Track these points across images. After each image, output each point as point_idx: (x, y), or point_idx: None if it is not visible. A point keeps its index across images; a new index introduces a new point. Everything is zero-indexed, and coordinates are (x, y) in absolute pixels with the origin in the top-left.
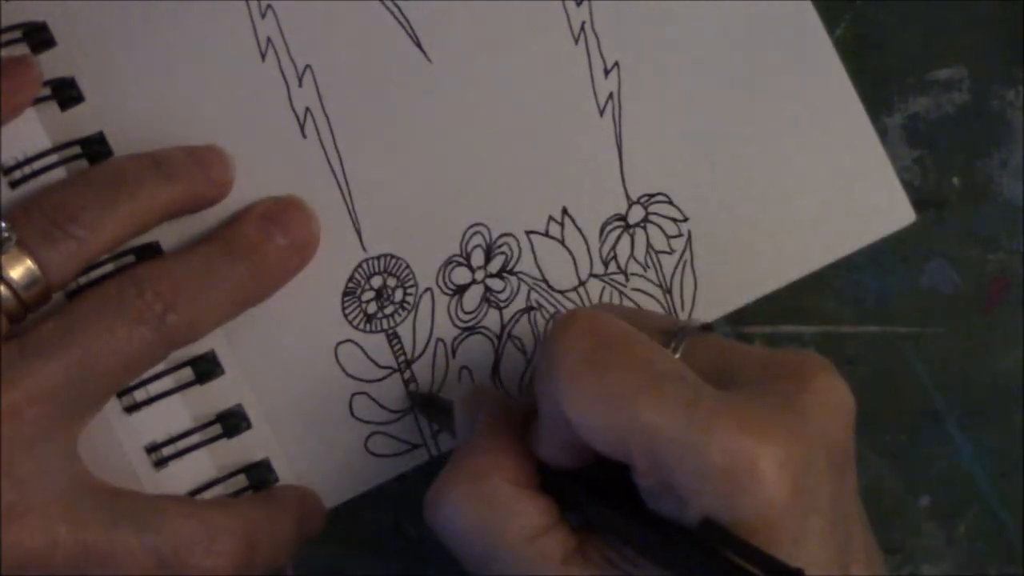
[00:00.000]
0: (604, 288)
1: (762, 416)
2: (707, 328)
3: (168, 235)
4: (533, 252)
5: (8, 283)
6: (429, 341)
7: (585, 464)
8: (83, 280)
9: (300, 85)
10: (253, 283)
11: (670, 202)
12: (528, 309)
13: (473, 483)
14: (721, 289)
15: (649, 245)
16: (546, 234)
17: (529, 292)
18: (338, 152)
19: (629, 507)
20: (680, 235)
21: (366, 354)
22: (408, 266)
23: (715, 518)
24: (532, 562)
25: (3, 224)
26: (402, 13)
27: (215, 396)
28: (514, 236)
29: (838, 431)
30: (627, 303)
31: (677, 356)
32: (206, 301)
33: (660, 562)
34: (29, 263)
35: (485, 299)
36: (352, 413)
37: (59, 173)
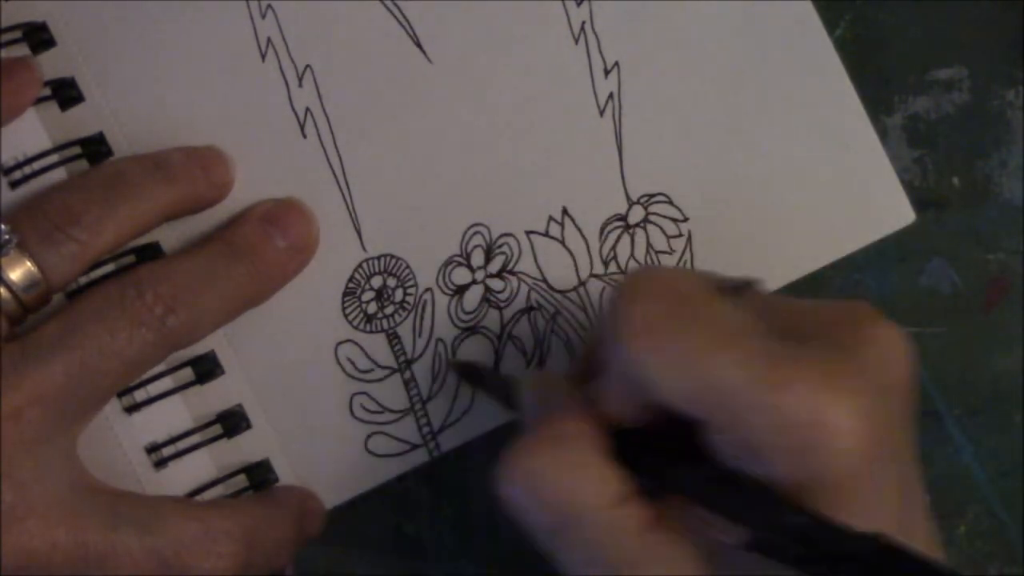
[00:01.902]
0: (604, 288)
1: (833, 369)
2: (751, 284)
3: (168, 235)
4: (533, 252)
5: (8, 285)
6: (429, 341)
7: (647, 422)
8: (84, 280)
9: (300, 85)
10: (253, 285)
11: (670, 202)
12: (528, 309)
13: (556, 449)
14: None
15: (649, 245)
16: (546, 234)
17: (529, 292)
18: (338, 152)
19: (707, 467)
20: (680, 235)
21: (366, 354)
22: (408, 266)
23: (795, 474)
24: (613, 530)
25: (4, 227)
26: (402, 13)
27: (215, 396)
28: (514, 236)
29: (903, 380)
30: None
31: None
32: (207, 303)
33: (743, 521)
34: (29, 265)
35: (485, 299)
36: (352, 413)
37: (59, 173)
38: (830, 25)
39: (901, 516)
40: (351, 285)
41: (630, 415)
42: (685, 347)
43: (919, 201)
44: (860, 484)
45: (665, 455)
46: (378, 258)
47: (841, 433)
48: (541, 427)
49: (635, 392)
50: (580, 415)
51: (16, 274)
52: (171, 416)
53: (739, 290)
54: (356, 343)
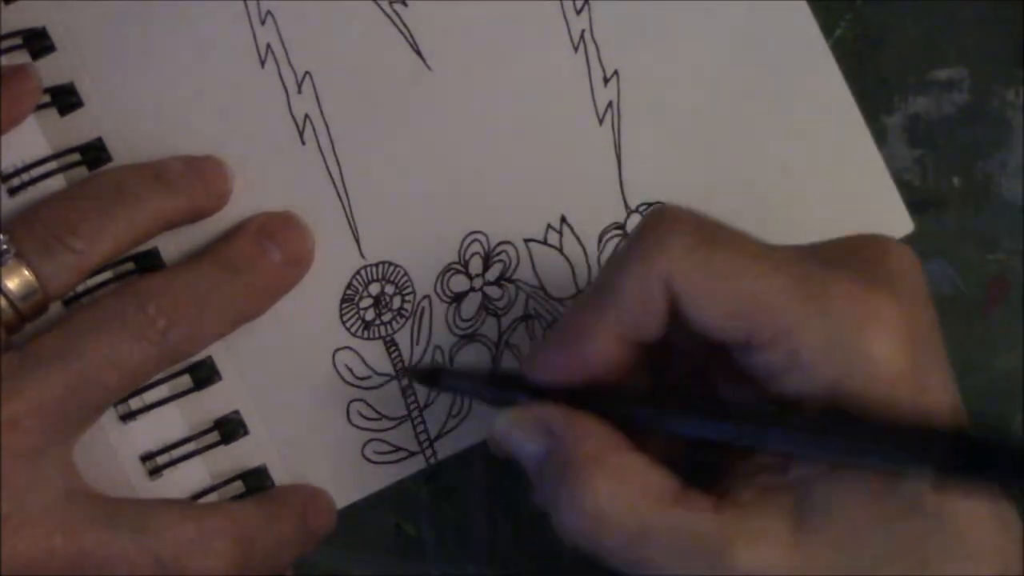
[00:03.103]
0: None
1: (870, 281)
2: None
3: (167, 242)
4: (531, 260)
5: (5, 294)
6: (427, 348)
7: (622, 368)
8: (80, 288)
9: (299, 92)
10: (250, 298)
11: None
12: (526, 317)
13: (594, 474)
14: None
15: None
16: (544, 242)
17: (527, 300)
18: (337, 159)
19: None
20: None
21: (364, 361)
22: (406, 273)
23: (842, 384)
24: (686, 521)
25: (2, 236)
26: (402, 20)
27: (212, 402)
28: (512, 244)
29: (924, 290)
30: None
31: None
32: (206, 316)
33: (804, 450)
34: (27, 274)
35: (483, 307)
36: (349, 420)
37: (58, 180)
38: (830, 25)
39: (953, 416)
40: (349, 292)
41: (615, 359)
42: (724, 262)
43: (919, 201)
44: (907, 388)
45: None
46: (376, 265)
47: (889, 336)
48: (568, 464)
49: (643, 320)
50: (591, 427)
51: (13, 283)
52: (166, 424)
53: None
54: (354, 350)
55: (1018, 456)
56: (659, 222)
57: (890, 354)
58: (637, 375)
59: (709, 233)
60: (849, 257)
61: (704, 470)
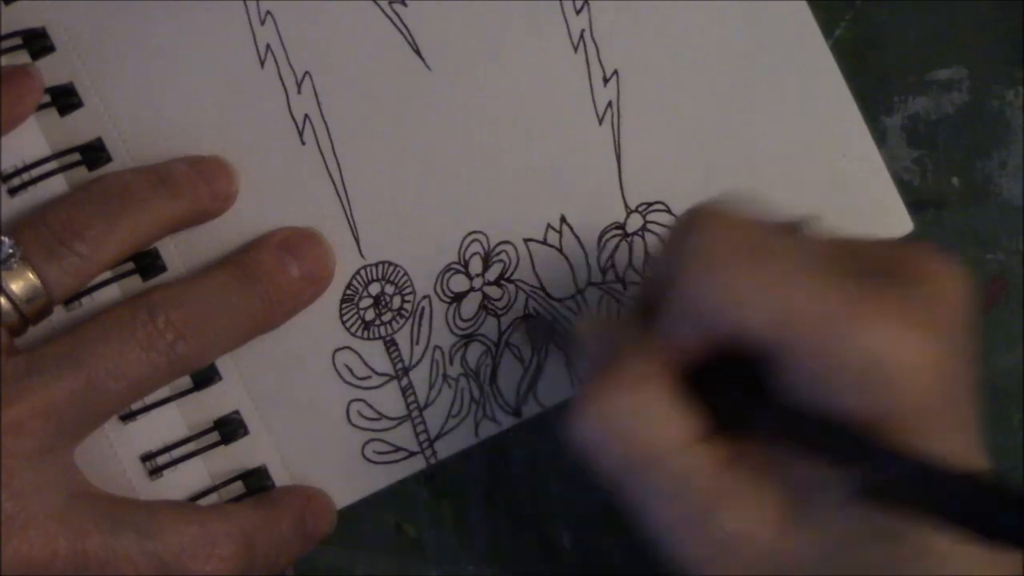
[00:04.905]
0: (602, 296)
1: (907, 304)
2: (806, 223)
3: (167, 242)
4: (531, 260)
5: (9, 297)
6: (427, 348)
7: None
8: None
9: (299, 92)
10: (264, 312)
11: (668, 211)
12: (526, 317)
13: (629, 390)
14: None
15: (647, 254)
16: (544, 242)
17: (527, 300)
18: (337, 159)
19: (785, 404)
20: None
21: (364, 361)
22: (406, 273)
23: (869, 408)
24: (689, 468)
25: (7, 240)
26: (401, 20)
27: (212, 402)
28: (512, 244)
29: (966, 315)
30: (625, 312)
31: None
32: (218, 330)
33: (833, 458)
34: (32, 278)
35: (483, 307)
36: (349, 420)
37: (58, 180)
38: (830, 25)
39: (977, 454)
40: (349, 292)
41: (692, 352)
42: (762, 276)
43: (919, 201)
44: (932, 420)
45: (746, 395)
46: (376, 265)
47: (918, 368)
48: (611, 369)
49: (701, 327)
50: (648, 356)
51: (18, 286)
52: (167, 424)
53: (796, 228)
54: (354, 350)
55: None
56: (705, 226)
57: (919, 379)
58: None
59: (754, 240)
60: (894, 271)
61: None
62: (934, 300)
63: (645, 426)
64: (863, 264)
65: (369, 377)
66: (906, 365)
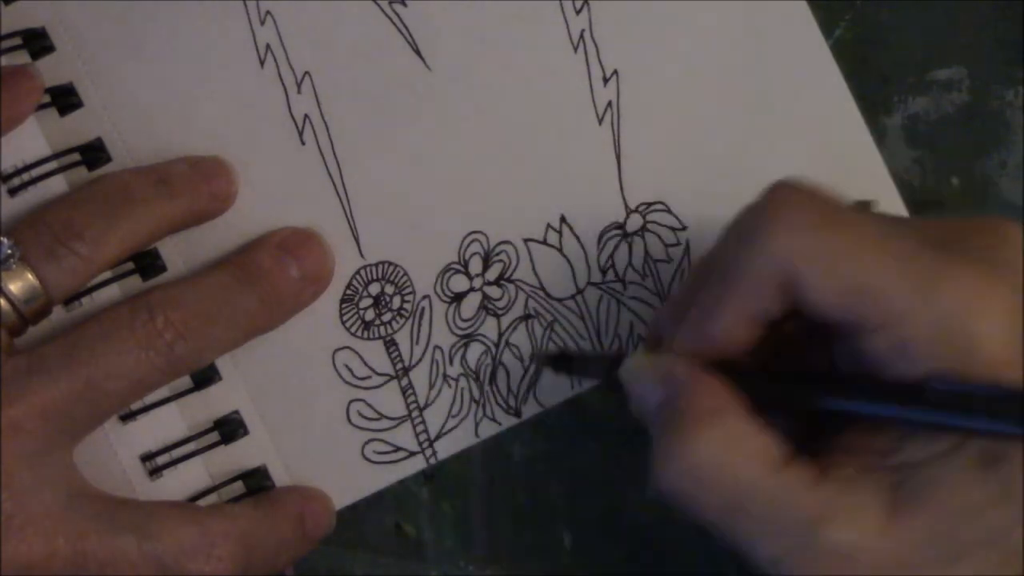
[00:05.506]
0: (602, 296)
1: (984, 269)
2: (870, 204)
3: (167, 242)
4: (531, 260)
5: (8, 297)
6: (427, 348)
7: (749, 345)
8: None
9: (299, 92)
10: (264, 312)
11: (668, 211)
12: (526, 317)
13: (703, 438)
14: None
15: (647, 254)
16: (544, 242)
17: (527, 300)
18: (336, 159)
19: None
20: (678, 244)
21: (363, 361)
22: (406, 273)
23: (949, 372)
24: (782, 498)
25: (6, 240)
26: (401, 20)
27: (212, 403)
28: (512, 244)
29: None
30: (625, 312)
31: None
32: (217, 330)
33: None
34: (31, 278)
35: (483, 307)
36: (349, 420)
37: (58, 180)
38: (830, 25)
39: None
40: (349, 292)
41: (743, 337)
42: (841, 247)
43: (918, 201)
44: (1013, 373)
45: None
46: (376, 265)
47: (998, 331)
48: (683, 416)
49: (757, 300)
50: (712, 385)
51: (17, 286)
52: (166, 424)
53: (866, 207)
54: (353, 350)
55: None
56: (783, 198)
57: (999, 341)
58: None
59: (832, 212)
60: (968, 241)
61: (808, 440)
62: (1011, 261)
63: (732, 468)
64: (935, 234)
65: (369, 377)
66: (989, 323)
